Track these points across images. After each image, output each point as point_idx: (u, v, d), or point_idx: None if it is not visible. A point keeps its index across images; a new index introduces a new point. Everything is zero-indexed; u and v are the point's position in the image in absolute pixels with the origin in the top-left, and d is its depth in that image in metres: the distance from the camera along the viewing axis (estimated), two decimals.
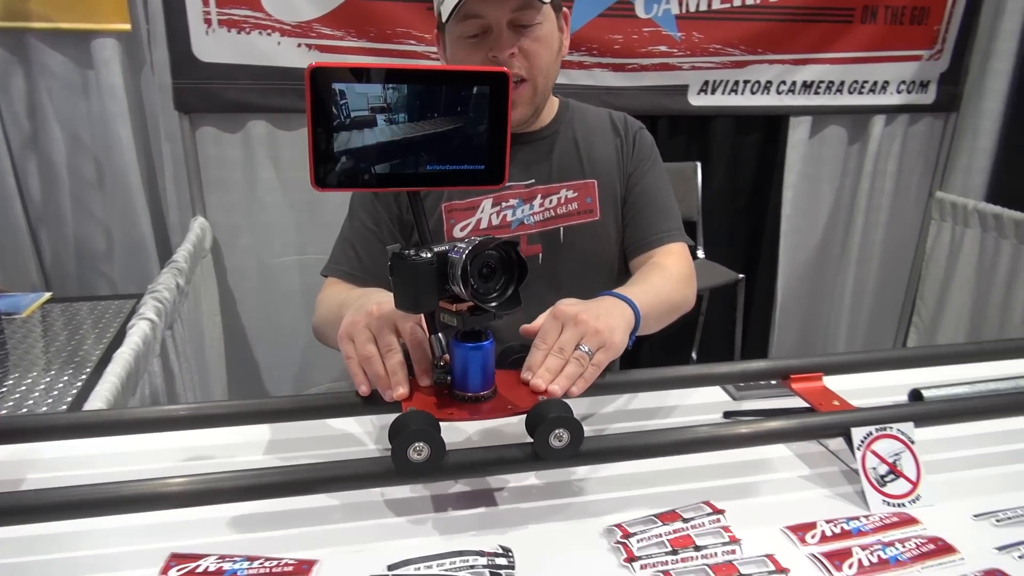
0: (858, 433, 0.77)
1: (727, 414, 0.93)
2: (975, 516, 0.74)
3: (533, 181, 1.14)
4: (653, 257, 1.15)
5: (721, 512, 0.72)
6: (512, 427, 0.87)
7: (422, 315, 0.73)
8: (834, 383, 0.91)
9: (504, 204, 1.13)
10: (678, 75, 2.33)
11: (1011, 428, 0.88)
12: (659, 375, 0.90)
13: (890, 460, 0.77)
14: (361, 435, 0.89)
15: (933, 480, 0.78)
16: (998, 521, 0.73)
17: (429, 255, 0.67)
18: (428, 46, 2.12)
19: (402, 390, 0.74)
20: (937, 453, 0.84)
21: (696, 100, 2.37)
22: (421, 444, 0.64)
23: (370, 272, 1.12)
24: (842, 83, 2.45)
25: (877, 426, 0.78)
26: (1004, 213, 2.42)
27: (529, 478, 0.79)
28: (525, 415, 0.71)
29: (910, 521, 0.73)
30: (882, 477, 0.76)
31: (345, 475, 0.69)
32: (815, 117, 2.50)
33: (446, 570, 0.63)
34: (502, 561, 0.64)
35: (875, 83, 2.48)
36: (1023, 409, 0.85)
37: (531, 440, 0.69)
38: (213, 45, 2.00)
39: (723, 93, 2.39)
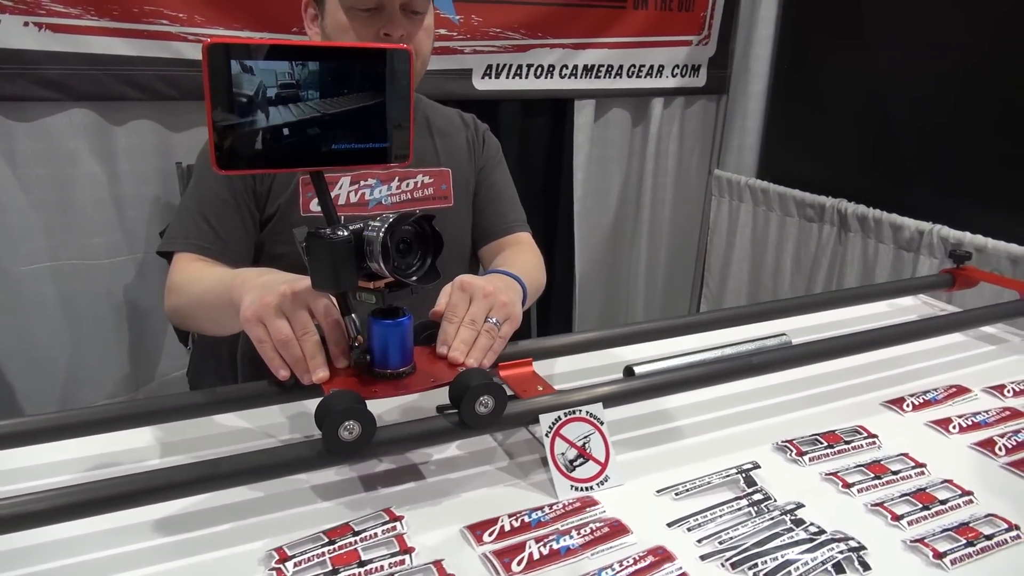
0: (546, 419, 0.76)
1: (439, 408, 0.89)
2: (657, 491, 0.75)
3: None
4: (505, 245, 1.23)
5: (399, 519, 0.68)
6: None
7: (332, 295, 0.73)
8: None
9: (363, 183, 1.15)
10: (460, 59, 2.29)
11: (701, 399, 0.92)
12: None
13: (579, 443, 0.76)
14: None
15: (625, 459, 0.79)
16: (677, 495, 0.75)
17: (346, 233, 0.67)
18: (183, 26, 1.94)
19: (323, 372, 0.72)
20: (633, 431, 0.86)
21: (481, 84, 2.35)
22: (352, 423, 0.65)
23: (228, 246, 1.07)
24: (621, 67, 2.53)
25: (566, 410, 0.77)
26: (771, 188, 2.61)
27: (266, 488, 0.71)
28: (448, 387, 0.72)
29: (590, 504, 0.72)
30: (571, 462, 0.76)
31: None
32: (598, 100, 2.56)
33: None
34: None
35: (651, 67, 2.58)
36: (708, 381, 0.87)
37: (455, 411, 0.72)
38: None
39: (508, 77, 2.39)
